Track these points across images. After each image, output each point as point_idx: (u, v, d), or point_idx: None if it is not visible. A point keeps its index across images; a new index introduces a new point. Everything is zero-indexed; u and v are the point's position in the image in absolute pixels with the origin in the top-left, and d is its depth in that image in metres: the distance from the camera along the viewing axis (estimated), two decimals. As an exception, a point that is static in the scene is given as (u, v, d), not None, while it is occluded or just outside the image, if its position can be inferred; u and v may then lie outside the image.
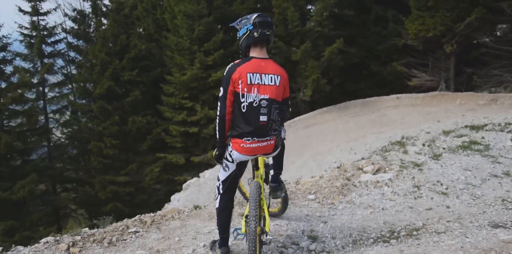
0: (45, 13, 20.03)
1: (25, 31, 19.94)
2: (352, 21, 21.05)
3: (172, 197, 15.75)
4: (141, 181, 18.89)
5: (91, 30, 20.92)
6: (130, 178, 18.34)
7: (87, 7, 21.02)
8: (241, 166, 3.92)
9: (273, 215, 5.11)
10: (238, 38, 3.88)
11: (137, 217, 5.39)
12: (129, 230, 4.88)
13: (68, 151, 20.84)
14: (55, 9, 20.30)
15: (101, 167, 19.27)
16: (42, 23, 20.17)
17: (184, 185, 16.10)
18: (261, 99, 3.71)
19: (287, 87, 3.91)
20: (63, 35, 21.09)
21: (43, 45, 20.28)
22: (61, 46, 21.08)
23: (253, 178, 4.19)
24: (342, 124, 18.82)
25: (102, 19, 20.18)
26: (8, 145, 16.97)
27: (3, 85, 17.91)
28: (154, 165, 18.98)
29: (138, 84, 20.05)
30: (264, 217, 3.98)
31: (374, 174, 6.55)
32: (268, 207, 5.10)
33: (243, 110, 3.70)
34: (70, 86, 20.56)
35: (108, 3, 20.78)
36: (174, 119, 18.75)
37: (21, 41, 19.97)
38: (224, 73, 3.74)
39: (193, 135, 19.07)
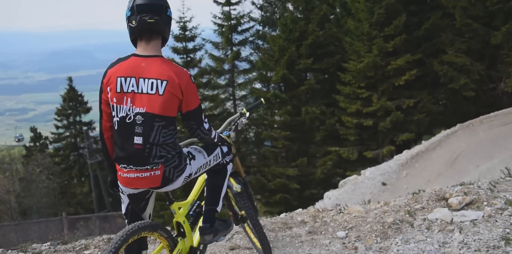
0: (236, 3, 20.81)
1: (218, 21, 21.10)
2: None
3: (325, 194, 14.79)
4: (312, 173, 18.28)
5: (277, 17, 20.97)
6: (300, 172, 17.89)
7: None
8: (136, 198, 2.94)
9: None
10: None
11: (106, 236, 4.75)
12: (85, 252, 4.33)
13: (249, 137, 21.51)
14: (244, -1, 20.96)
15: (272, 156, 19.38)
16: (234, 12, 21.03)
17: (341, 182, 14.98)
18: (136, 114, 2.67)
19: (191, 96, 2.75)
20: (252, 23, 21.65)
21: (233, 34, 21.17)
22: (251, 33, 21.70)
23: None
24: (555, 123, 15.05)
25: (289, 5, 19.97)
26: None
27: (194, 71, 19.33)
28: (327, 156, 18.20)
29: (316, 72, 19.41)
30: None
31: (458, 209, 4.64)
32: None
33: (116, 128, 2.75)
34: (254, 73, 21.03)
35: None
36: (348, 110, 17.57)
37: (214, 31, 21.22)
38: None
39: (369, 128, 17.60)
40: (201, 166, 3.04)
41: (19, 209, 28.97)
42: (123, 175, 2.77)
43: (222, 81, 21.49)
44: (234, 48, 21.08)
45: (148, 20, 2.66)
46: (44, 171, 27.86)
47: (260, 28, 21.70)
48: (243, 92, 21.55)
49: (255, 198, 20.03)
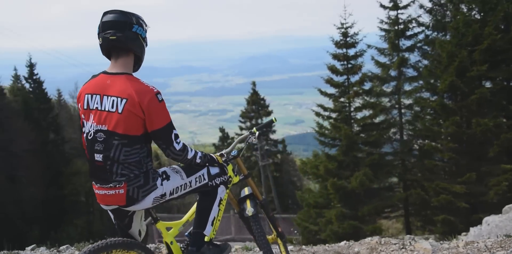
0: (405, 7, 19.54)
1: (384, 26, 20.11)
2: None
3: (485, 219, 12.83)
4: (483, 193, 16.19)
5: (448, 20, 19.08)
6: (468, 189, 16.01)
7: (445, -5, 19.23)
8: (117, 214, 3.01)
9: None
10: None
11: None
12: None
13: (414, 149, 20.05)
14: (413, 2, 19.50)
15: (438, 171, 17.78)
16: (402, 17, 19.82)
17: (505, 207, 12.84)
18: (97, 131, 2.75)
19: (155, 115, 2.73)
20: (421, 28, 20.09)
21: (401, 39, 19.95)
22: (419, 39, 20.18)
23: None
24: None
25: (463, 7, 18.02)
26: (348, 135, 17.78)
27: (355, 78, 18.82)
28: (502, 176, 15.97)
29: (494, 80, 17.18)
30: None
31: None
32: None
33: (85, 144, 2.89)
34: (421, 81, 19.50)
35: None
36: (527, 124, 15.23)
37: (380, 36, 20.27)
38: None
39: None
40: (178, 187, 2.97)
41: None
42: (95, 191, 2.87)
43: (387, 88, 20.50)
44: (401, 54, 19.89)
45: (110, 37, 2.71)
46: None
47: (429, 33, 20.06)
48: (409, 101, 20.19)
49: (415, 217, 18.63)
